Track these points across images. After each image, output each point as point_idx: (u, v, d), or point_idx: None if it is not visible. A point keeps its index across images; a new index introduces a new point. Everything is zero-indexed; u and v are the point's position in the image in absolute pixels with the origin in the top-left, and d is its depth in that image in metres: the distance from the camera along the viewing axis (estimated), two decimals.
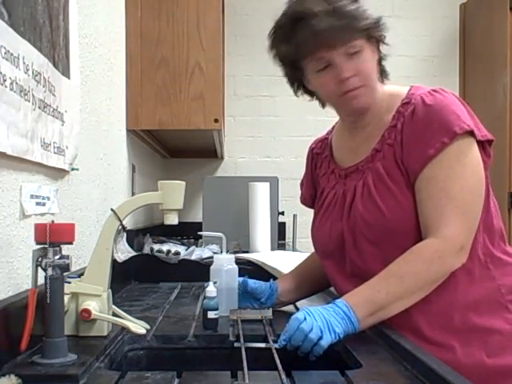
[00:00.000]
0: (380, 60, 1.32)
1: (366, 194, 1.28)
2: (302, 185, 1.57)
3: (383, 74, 1.34)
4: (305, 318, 1.09)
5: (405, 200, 1.23)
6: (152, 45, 2.25)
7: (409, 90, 1.30)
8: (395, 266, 1.19)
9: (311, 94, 1.38)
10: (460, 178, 1.20)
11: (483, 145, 1.25)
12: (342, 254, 1.33)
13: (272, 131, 3.60)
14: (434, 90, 1.26)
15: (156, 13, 2.25)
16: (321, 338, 1.08)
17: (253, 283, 1.41)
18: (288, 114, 3.58)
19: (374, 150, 1.30)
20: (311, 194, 1.51)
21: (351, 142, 1.38)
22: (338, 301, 1.15)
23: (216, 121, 2.26)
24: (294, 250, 2.96)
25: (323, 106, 1.40)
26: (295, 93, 1.39)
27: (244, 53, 3.56)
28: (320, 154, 1.49)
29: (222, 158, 3.54)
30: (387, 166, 1.26)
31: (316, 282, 1.50)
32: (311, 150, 1.53)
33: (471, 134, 1.20)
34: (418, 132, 1.22)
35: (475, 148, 1.22)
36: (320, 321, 1.09)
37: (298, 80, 1.36)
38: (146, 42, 2.25)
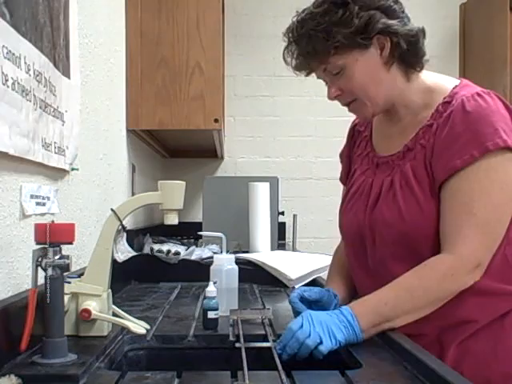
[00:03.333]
0: (394, 57, 1.22)
1: (390, 195, 1.25)
2: (341, 162, 1.51)
3: (408, 70, 1.25)
4: (301, 326, 1.08)
5: (427, 206, 1.19)
6: (152, 45, 2.25)
7: (454, 87, 1.24)
8: (406, 279, 1.16)
9: None
10: (485, 194, 1.14)
11: None
12: (362, 247, 1.31)
13: (272, 131, 3.60)
14: (479, 94, 1.18)
15: (156, 13, 2.25)
16: (320, 343, 1.06)
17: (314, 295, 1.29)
18: (288, 114, 3.58)
19: (405, 147, 1.26)
20: (347, 172, 1.46)
21: (388, 131, 1.34)
22: (344, 308, 1.13)
23: (216, 121, 2.26)
24: (293, 250, 2.96)
25: None
26: None
27: (244, 53, 3.56)
28: (361, 132, 1.43)
29: (222, 157, 3.54)
30: (416, 168, 1.22)
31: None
32: (354, 125, 1.47)
33: (508, 149, 1.14)
34: (449, 138, 1.17)
35: (510, 165, 1.16)
36: (320, 327, 1.07)
37: None
38: (146, 42, 2.25)
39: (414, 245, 1.21)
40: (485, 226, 1.15)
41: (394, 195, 1.24)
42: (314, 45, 1.20)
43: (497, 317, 1.22)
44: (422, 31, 1.25)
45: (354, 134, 1.46)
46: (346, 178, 1.47)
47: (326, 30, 1.18)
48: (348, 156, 1.46)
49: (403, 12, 1.24)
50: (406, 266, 1.19)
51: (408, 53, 1.22)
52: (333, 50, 1.20)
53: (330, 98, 1.27)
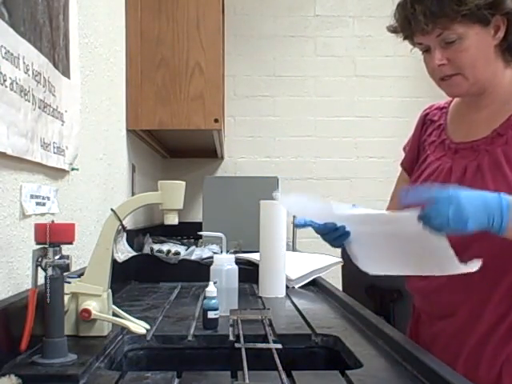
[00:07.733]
0: (506, 40, 1.24)
1: (479, 178, 1.23)
2: (404, 149, 1.52)
3: (509, 58, 1.28)
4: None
5: None
6: (152, 45, 2.25)
7: None
8: None
9: None
10: None
11: None
12: None
13: (272, 131, 3.60)
14: None
15: (156, 13, 2.25)
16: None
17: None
18: (288, 114, 3.58)
19: (494, 132, 1.26)
20: (412, 158, 1.46)
21: (468, 118, 1.35)
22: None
23: (216, 121, 2.26)
24: (294, 250, 2.96)
25: None
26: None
27: (244, 53, 3.56)
28: (434, 122, 1.45)
29: (222, 157, 3.54)
30: (509, 152, 1.22)
31: None
32: (424, 114, 1.49)
33: None
34: None
35: None
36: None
37: None
38: (146, 42, 2.25)
39: None
40: None
41: (483, 178, 1.22)
42: (443, 7, 1.21)
43: None
44: None
45: (425, 122, 1.47)
46: (411, 164, 1.46)
47: None
48: (417, 144, 1.46)
49: None
50: (489, 245, 1.16)
51: None
52: (460, 17, 1.20)
53: (434, 66, 1.27)
